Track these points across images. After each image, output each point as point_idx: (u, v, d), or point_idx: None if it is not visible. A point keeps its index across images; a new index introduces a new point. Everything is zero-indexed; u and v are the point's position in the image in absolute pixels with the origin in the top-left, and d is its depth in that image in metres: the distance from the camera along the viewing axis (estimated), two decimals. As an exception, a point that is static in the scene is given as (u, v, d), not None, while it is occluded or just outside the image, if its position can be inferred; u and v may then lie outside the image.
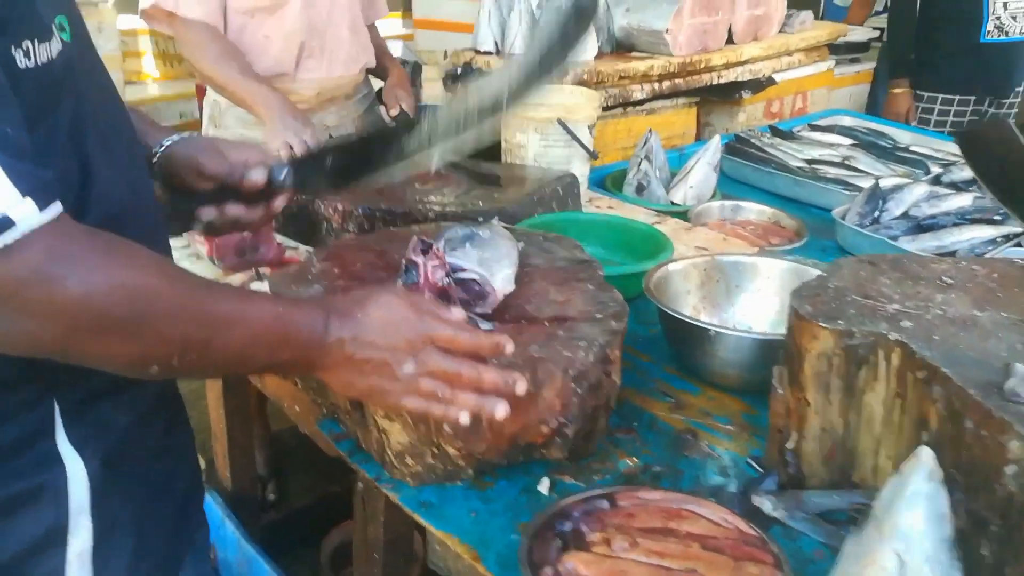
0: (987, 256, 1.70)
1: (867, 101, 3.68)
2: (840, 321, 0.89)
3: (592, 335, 1.01)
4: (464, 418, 0.81)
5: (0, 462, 0.71)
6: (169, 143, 0.97)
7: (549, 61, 0.94)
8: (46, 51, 0.66)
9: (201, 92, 4.06)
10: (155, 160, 0.96)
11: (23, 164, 0.59)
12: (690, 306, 1.33)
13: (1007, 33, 3.00)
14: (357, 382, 0.78)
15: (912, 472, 0.72)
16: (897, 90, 3.17)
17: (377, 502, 1.31)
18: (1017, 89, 3.16)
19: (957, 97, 3.10)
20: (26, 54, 0.64)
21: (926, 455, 0.72)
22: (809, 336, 0.90)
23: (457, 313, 0.83)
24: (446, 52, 3.44)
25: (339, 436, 1.13)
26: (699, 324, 1.20)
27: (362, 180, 1.04)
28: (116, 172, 0.76)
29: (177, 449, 0.90)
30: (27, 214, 0.58)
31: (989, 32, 2.99)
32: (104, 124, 0.76)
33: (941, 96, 3.12)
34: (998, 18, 2.99)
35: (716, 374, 1.21)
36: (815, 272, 1.30)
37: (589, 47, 2.42)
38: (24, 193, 0.58)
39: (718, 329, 1.17)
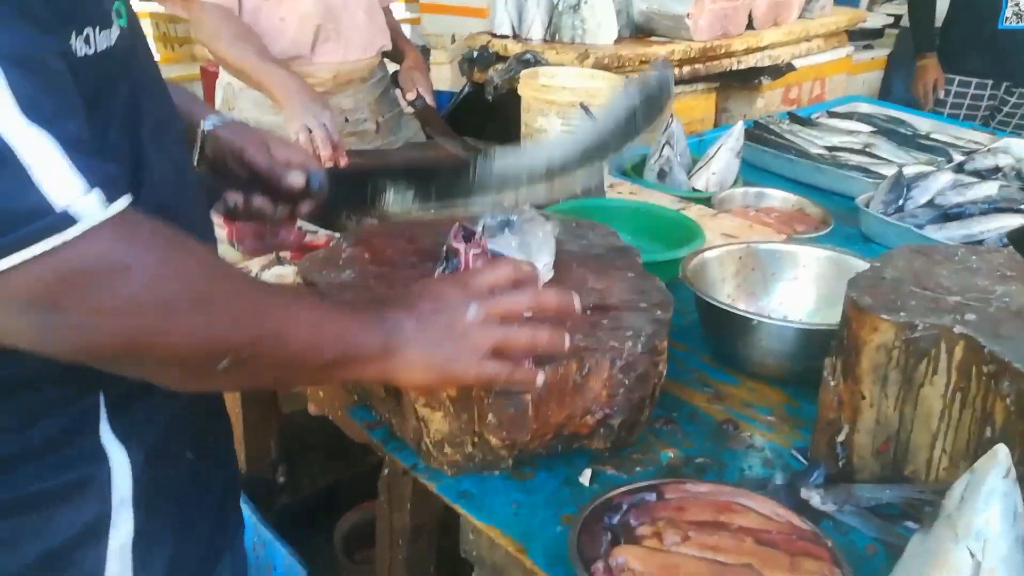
0: (1017, 247, 1.68)
1: (880, 88, 3.65)
2: (902, 313, 0.86)
3: (638, 325, 0.99)
4: (540, 378, 0.81)
5: (45, 454, 0.68)
6: (215, 124, 0.96)
7: (619, 137, 0.96)
8: (106, 38, 0.64)
9: (205, 75, 4.01)
10: (200, 138, 0.94)
11: (89, 158, 0.57)
12: (725, 294, 1.31)
13: None
14: (432, 357, 0.75)
15: (989, 470, 0.70)
16: (924, 61, 3.15)
17: (404, 488, 1.29)
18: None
19: (974, 81, 3.08)
20: (86, 41, 0.62)
21: (1003, 453, 0.70)
22: (869, 328, 0.88)
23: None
24: (454, 36, 3.40)
25: (371, 424, 1.11)
26: (741, 313, 1.18)
27: (394, 214, 1.02)
28: (166, 159, 0.74)
29: (216, 444, 0.88)
30: (92, 209, 0.56)
31: (1008, 18, 2.97)
32: (155, 111, 0.74)
33: (958, 79, 3.10)
34: (1017, 4, 2.96)
35: (756, 364, 1.18)
36: (855, 261, 1.28)
37: (608, 31, 2.39)
38: (91, 187, 0.56)
39: (760, 319, 1.15)
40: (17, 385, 0.66)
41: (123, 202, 0.58)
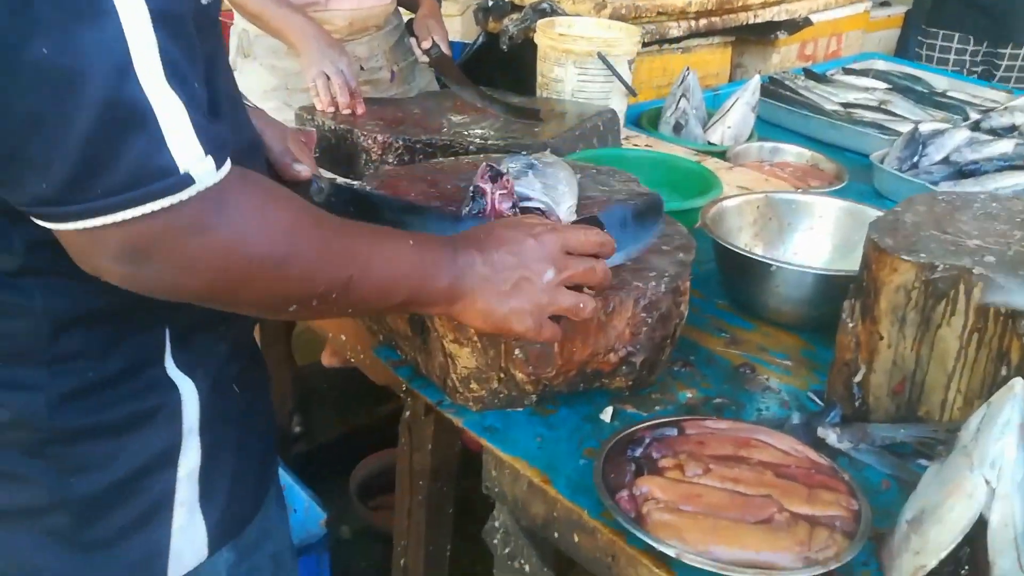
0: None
1: (896, 47, 3.60)
2: (922, 255, 0.88)
3: (661, 266, 1.01)
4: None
5: (120, 384, 0.71)
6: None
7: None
8: None
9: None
10: None
11: (207, 122, 0.61)
12: (743, 242, 1.32)
13: None
14: (496, 308, 0.78)
15: (1005, 402, 0.72)
16: None
17: (425, 430, 1.32)
18: (1018, 46, 3.05)
19: (957, 34, 3.05)
20: None
21: (1020, 386, 0.72)
22: (889, 269, 0.89)
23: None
24: (467, -14, 3.34)
25: (396, 363, 1.13)
26: (760, 259, 1.19)
27: None
28: (235, 117, 0.76)
29: (259, 387, 0.91)
30: (206, 173, 0.60)
31: None
32: (228, 78, 0.76)
33: (943, 32, 3.07)
34: None
35: (774, 310, 1.20)
36: (871, 212, 1.29)
37: (625, -19, 2.36)
38: (206, 152, 0.60)
39: (780, 264, 1.16)
40: (94, 317, 0.69)
41: (228, 166, 0.62)
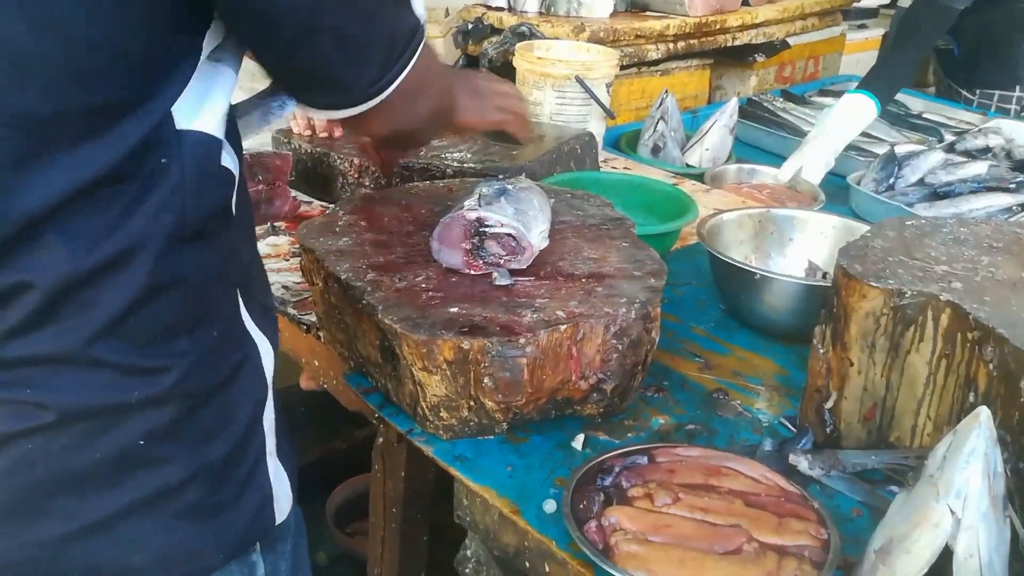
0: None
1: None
2: (891, 281, 0.88)
3: (632, 292, 1.00)
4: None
5: (223, 344, 0.74)
6: None
7: None
8: None
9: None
10: None
11: None
12: (742, 255, 1.35)
13: None
14: (474, 105, 1.10)
15: (971, 431, 0.72)
16: None
17: (398, 457, 1.31)
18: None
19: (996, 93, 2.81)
20: None
21: (984, 414, 0.72)
22: (858, 295, 0.89)
23: None
24: (447, 10, 3.36)
25: (367, 390, 1.12)
26: (747, 268, 1.24)
27: None
28: None
29: None
30: (426, 23, 0.78)
31: None
32: None
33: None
34: None
35: (763, 319, 1.24)
36: (863, 228, 1.30)
37: (604, 4, 2.38)
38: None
39: (764, 273, 1.20)
40: (208, 279, 0.71)
41: None
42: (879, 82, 2.07)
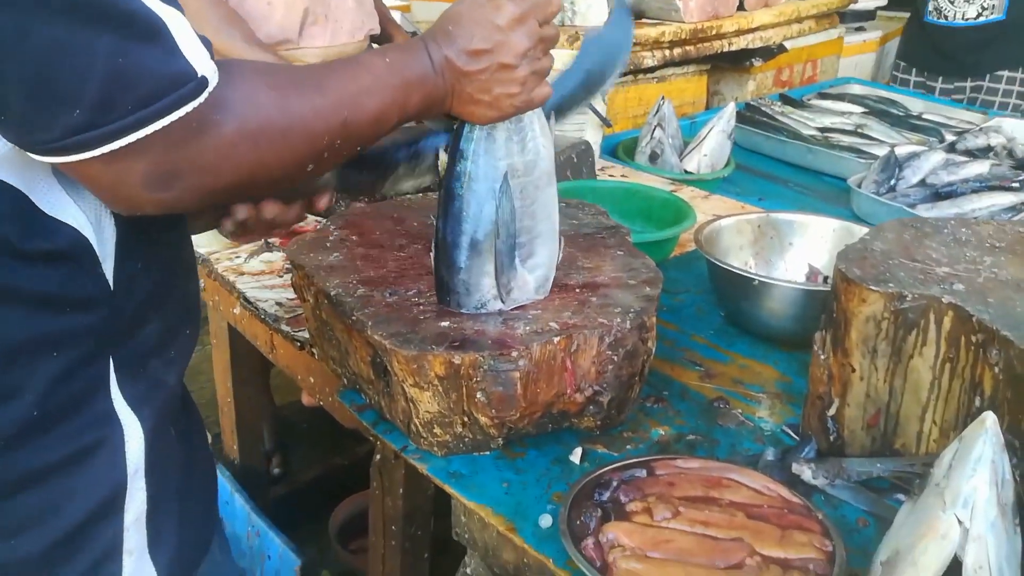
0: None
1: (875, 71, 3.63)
2: (891, 284, 0.86)
3: (627, 302, 0.98)
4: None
5: (61, 420, 0.67)
6: None
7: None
8: None
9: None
10: None
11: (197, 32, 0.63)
12: (742, 261, 1.33)
13: (945, 17, 2.86)
14: (482, 97, 0.82)
15: (977, 437, 0.69)
16: None
17: (396, 474, 1.29)
18: (967, 82, 2.92)
19: (925, 72, 2.97)
20: None
21: (991, 420, 0.70)
22: (857, 300, 0.87)
23: None
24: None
25: (361, 407, 1.10)
26: (745, 274, 1.21)
27: (402, 187, 1.01)
28: None
29: (195, 426, 0.88)
30: (214, 72, 0.62)
31: (931, 12, 2.88)
32: None
33: (913, 68, 3.00)
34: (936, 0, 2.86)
35: (763, 325, 1.22)
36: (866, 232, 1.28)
37: (599, 12, 2.37)
38: (210, 55, 0.62)
39: (763, 279, 1.18)
40: (39, 344, 0.65)
41: (215, 63, 0.64)
42: None
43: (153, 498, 0.74)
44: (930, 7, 2.87)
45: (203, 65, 0.61)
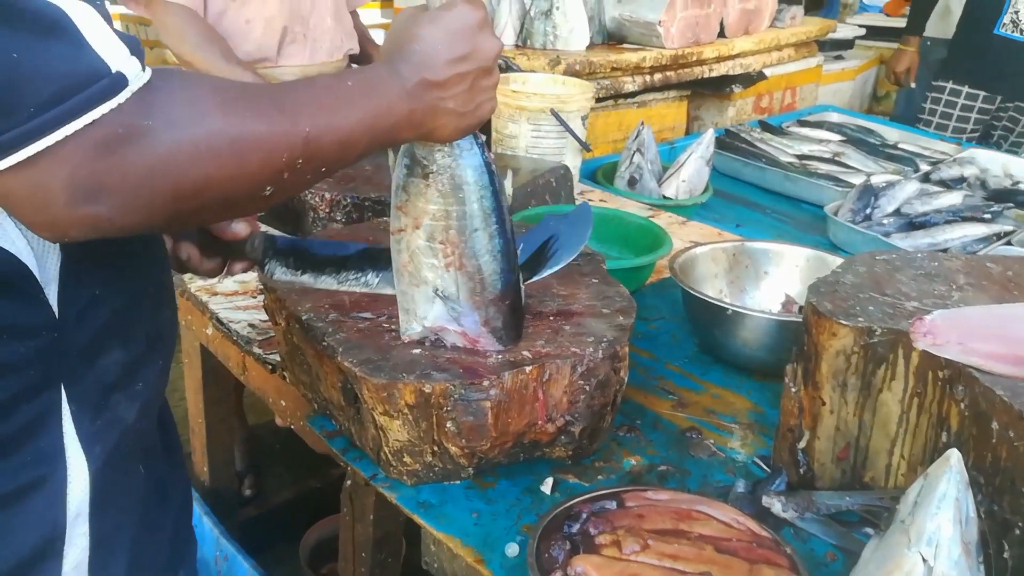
0: (980, 254, 1.70)
1: (893, 107, 3.65)
2: (860, 318, 0.86)
3: (600, 331, 0.98)
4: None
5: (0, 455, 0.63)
6: None
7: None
8: None
9: (177, 77, 3.95)
10: None
11: (118, 31, 0.57)
12: (716, 290, 1.33)
13: (1022, 31, 2.69)
14: (462, 116, 0.77)
15: (941, 475, 0.70)
16: (906, 47, 3.11)
17: (367, 500, 1.27)
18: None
19: (965, 90, 2.86)
20: None
21: (955, 458, 0.70)
22: (828, 333, 0.87)
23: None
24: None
25: (331, 433, 1.09)
26: (718, 303, 1.21)
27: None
28: None
29: (172, 454, 0.85)
30: (136, 72, 0.56)
31: (1004, 25, 2.71)
32: None
33: (949, 87, 2.88)
34: (1016, 11, 2.69)
35: (735, 355, 1.21)
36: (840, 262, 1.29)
37: (580, 37, 2.39)
38: (131, 53, 0.56)
39: (736, 309, 1.18)
40: None
41: (149, 69, 0.57)
42: None
43: (98, 544, 0.70)
44: (1005, 19, 2.68)
45: (118, 61, 0.54)
